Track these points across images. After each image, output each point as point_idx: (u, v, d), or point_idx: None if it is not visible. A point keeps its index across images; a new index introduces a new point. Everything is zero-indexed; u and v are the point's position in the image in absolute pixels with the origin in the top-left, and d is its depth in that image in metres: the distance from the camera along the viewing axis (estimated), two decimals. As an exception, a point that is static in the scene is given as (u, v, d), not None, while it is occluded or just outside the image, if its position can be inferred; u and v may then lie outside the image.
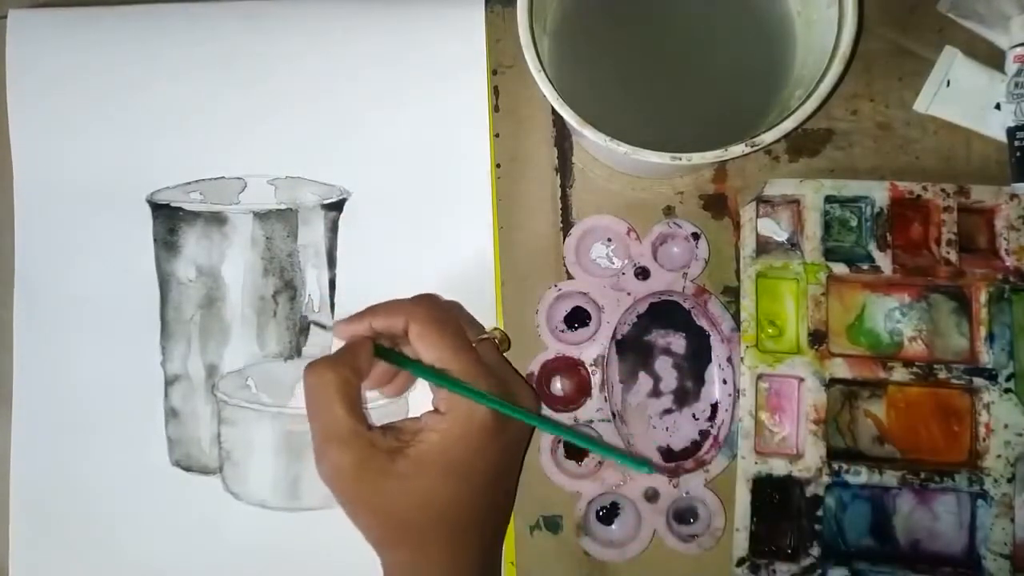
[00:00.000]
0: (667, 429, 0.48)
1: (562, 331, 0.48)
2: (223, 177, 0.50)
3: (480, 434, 0.40)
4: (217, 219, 0.49)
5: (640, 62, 0.45)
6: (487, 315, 0.48)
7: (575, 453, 0.47)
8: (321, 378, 0.41)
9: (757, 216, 0.47)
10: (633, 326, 0.48)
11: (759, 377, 0.46)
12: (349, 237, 0.49)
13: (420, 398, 0.48)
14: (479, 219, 0.49)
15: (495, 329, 0.47)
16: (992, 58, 0.48)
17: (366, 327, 0.43)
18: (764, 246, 0.47)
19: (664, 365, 0.48)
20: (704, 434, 0.47)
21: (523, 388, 0.45)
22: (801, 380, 0.46)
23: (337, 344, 0.44)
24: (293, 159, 0.49)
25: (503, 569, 0.47)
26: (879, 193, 0.46)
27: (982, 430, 0.45)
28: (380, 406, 0.47)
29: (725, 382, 0.47)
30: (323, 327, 0.48)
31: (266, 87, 0.50)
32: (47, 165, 0.50)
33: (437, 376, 0.41)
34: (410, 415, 0.48)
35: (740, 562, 0.45)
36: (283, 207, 0.49)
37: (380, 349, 0.42)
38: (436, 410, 0.42)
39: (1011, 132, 0.47)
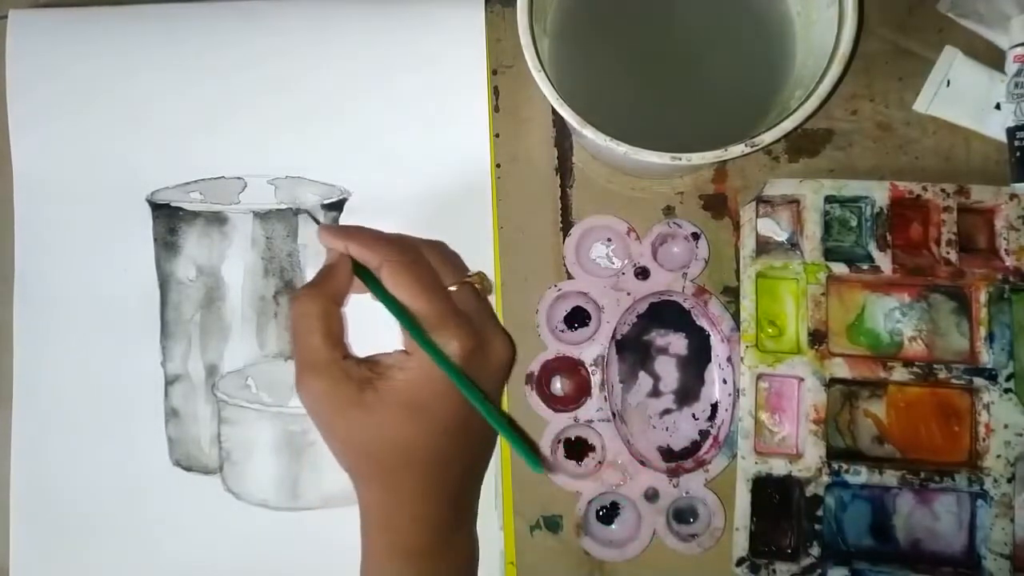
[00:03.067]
0: (667, 429, 0.48)
1: (562, 331, 0.48)
2: (223, 177, 0.50)
3: (444, 379, 0.41)
4: (217, 219, 0.49)
5: (640, 62, 0.45)
6: (487, 315, 0.48)
7: (575, 453, 0.47)
8: (303, 307, 0.42)
9: (757, 216, 0.47)
10: (633, 326, 0.48)
11: (759, 377, 0.46)
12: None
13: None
14: (479, 219, 0.49)
15: (476, 273, 0.46)
16: (992, 58, 0.48)
17: (343, 247, 0.43)
18: (764, 246, 0.47)
19: (664, 365, 0.48)
20: (704, 434, 0.47)
21: (498, 336, 0.45)
22: (801, 380, 0.46)
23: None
24: (293, 159, 0.49)
25: (503, 569, 0.47)
26: (879, 193, 0.46)
27: (982, 430, 0.45)
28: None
29: (725, 382, 0.47)
30: (316, 220, 0.49)
31: (266, 87, 0.50)
32: (47, 165, 0.50)
33: (403, 317, 0.41)
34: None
35: (740, 562, 0.45)
36: (283, 207, 0.49)
37: (359, 269, 0.43)
38: (404, 350, 0.42)
39: (1011, 132, 0.47)
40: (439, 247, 0.46)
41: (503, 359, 0.45)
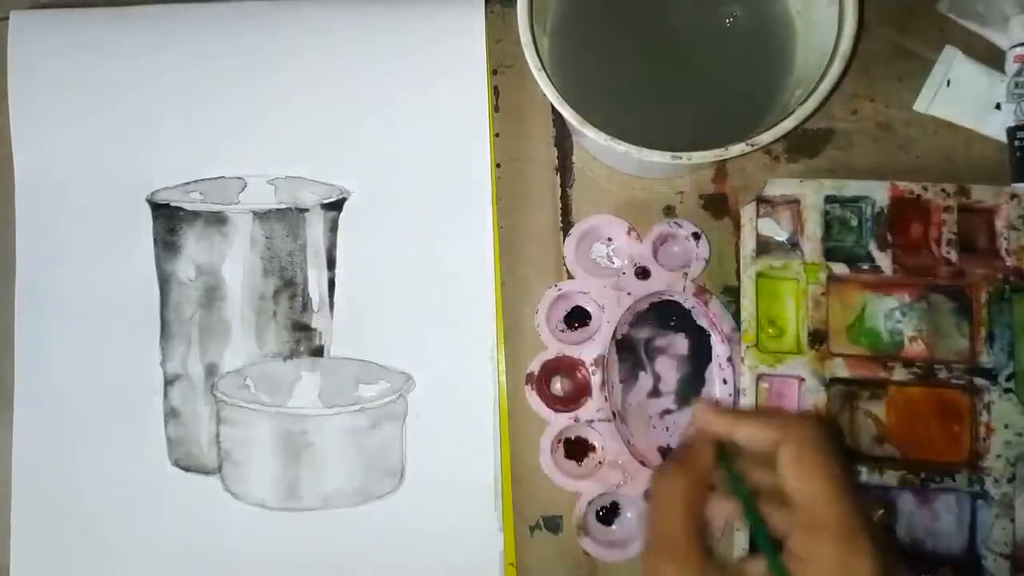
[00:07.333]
0: (667, 429, 0.48)
1: (562, 331, 0.48)
2: (223, 177, 0.50)
3: None
4: (217, 219, 0.49)
5: (640, 61, 0.45)
6: (487, 316, 0.48)
7: (575, 453, 0.47)
8: (669, 482, 0.36)
9: (757, 216, 0.47)
10: (633, 326, 0.48)
11: (759, 377, 0.46)
12: (349, 237, 0.49)
13: (420, 396, 0.48)
14: (479, 219, 0.49)
15: (881, 508, 0.43)
16: (992, 58, 0.48)
17: (726, 427, 0.38)
18: (764, 246, 0.47)
19: (664, 365, 0.48)
20: (704, 434, 0.47)
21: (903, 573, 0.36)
22: (801, 380, 0.46)
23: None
24: (293, 159, 0.49)
25: (503, 569, 0.47)
26: (879, 193, 0.46)
27: (982, 430, 0.45)
28: (380, 405, 0.47)
29: (725, 382, 0.47)
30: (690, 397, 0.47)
31: (266, 87, 0.50)
32: (48, 165, 0.50)
33: (765, 539, 0.35)
34: (408, 413, 0.48)
35: (740, 562, 0.45)
36: (283, 207, 0.49)
37: (724, 458, 0.37)
38: (790, 552, 0.34)
39: (1011, 132, 0.47)
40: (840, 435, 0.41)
41: None
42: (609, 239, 0.48)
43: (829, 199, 0.46)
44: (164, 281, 0.49)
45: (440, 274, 0.49)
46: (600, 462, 0.47)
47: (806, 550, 0.33)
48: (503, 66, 0.50)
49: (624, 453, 0.47)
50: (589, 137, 0.40)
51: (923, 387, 0.46)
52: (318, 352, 0.49)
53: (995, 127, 0.48)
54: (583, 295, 0.48)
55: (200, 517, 0.48)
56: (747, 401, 0.45)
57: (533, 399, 0.47)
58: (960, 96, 0.48)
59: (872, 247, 0.46)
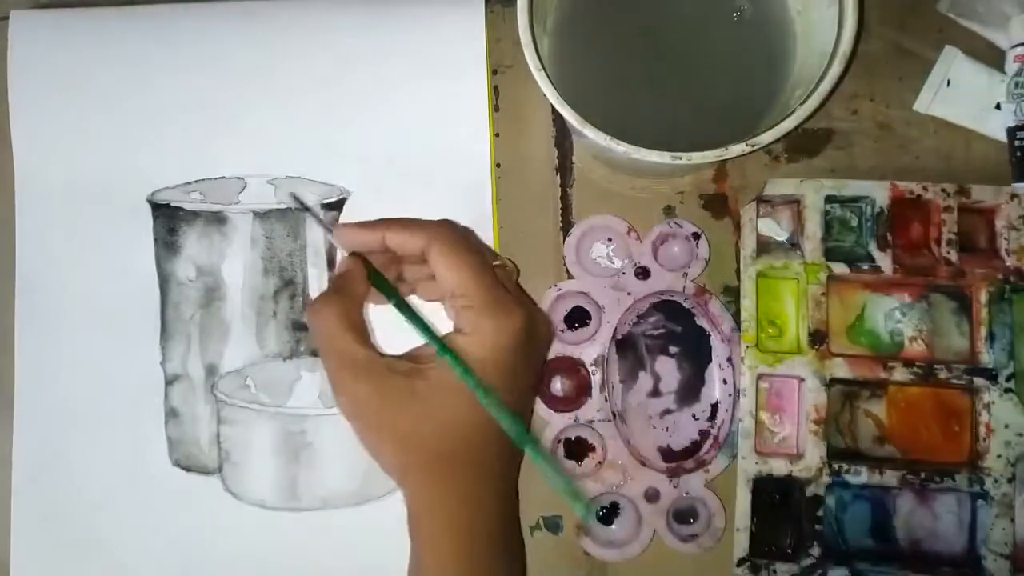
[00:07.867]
0: (667, 429, 0.48)
1: (562, 331, 0.48)
2: (223, 177, 0.50)
3: (505, 355, 0.40)
4: (217, 219, 0.49)
5: (640, 62, 0.45)
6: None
7: (575, 453, 0.47)
8: (321, 313, 0.41)
9: (757, 216, 0.47)
10: (633, 326, 0.48)
11: (759, 377, 0.46)
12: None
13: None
14: (479, 219, 0.49)
15: (507, 259, 0.47)
16: (992, 58, 0.48)
17: (378, 240, 0.42)
18: (764, 246, 0.47)
19: (664, 365, 0.48)
20: (704, 434, 0.47)
21: (540, 313, 0.46)
22: (801, 380, 0.46)
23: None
24: (293, 159, 0.49)
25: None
26: (879, 193, 0.46)
27: (982, 430, 0.45)
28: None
29: (725, 382, 0.47)
30: (321, 222, 0.48)
31: (266, 87, 0.50)
32: (48, 165, 0.50)
33: (422, 325, 0.40)
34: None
35: (740, 562, 0.45)
36: (283, 207, 0.49)
37: (375, 277, 0.42)
38: (458, 330, 0.41)
39: (1011, 132, 0.47)
40: (472, 232, 0.47)
41: (548, 336, 0.46)
42: (609, 239, 0.48)
43: (829, 199, 0.47)
44: (164, 281, 0.49)
45: (440, 274, 0.48)
46: (600, 462, 0.47)
47: (469, 325, 0.40)
48: (503, 66, 0.50)
49: (624, 453, 0.47)
50: (589, 137, 0.40)
51: (923, 387, 0.46)
52: (318, 352, 0.49)
53: (995, 127, 0.48)
54: (583, 295, 0.48)
55: (200, 517, 0.48)
56: (747, 401, 0.46)
57: (533, 399, 0.47)
58: (960, 96, 0.48)
59: (872, 247, 0.46)
